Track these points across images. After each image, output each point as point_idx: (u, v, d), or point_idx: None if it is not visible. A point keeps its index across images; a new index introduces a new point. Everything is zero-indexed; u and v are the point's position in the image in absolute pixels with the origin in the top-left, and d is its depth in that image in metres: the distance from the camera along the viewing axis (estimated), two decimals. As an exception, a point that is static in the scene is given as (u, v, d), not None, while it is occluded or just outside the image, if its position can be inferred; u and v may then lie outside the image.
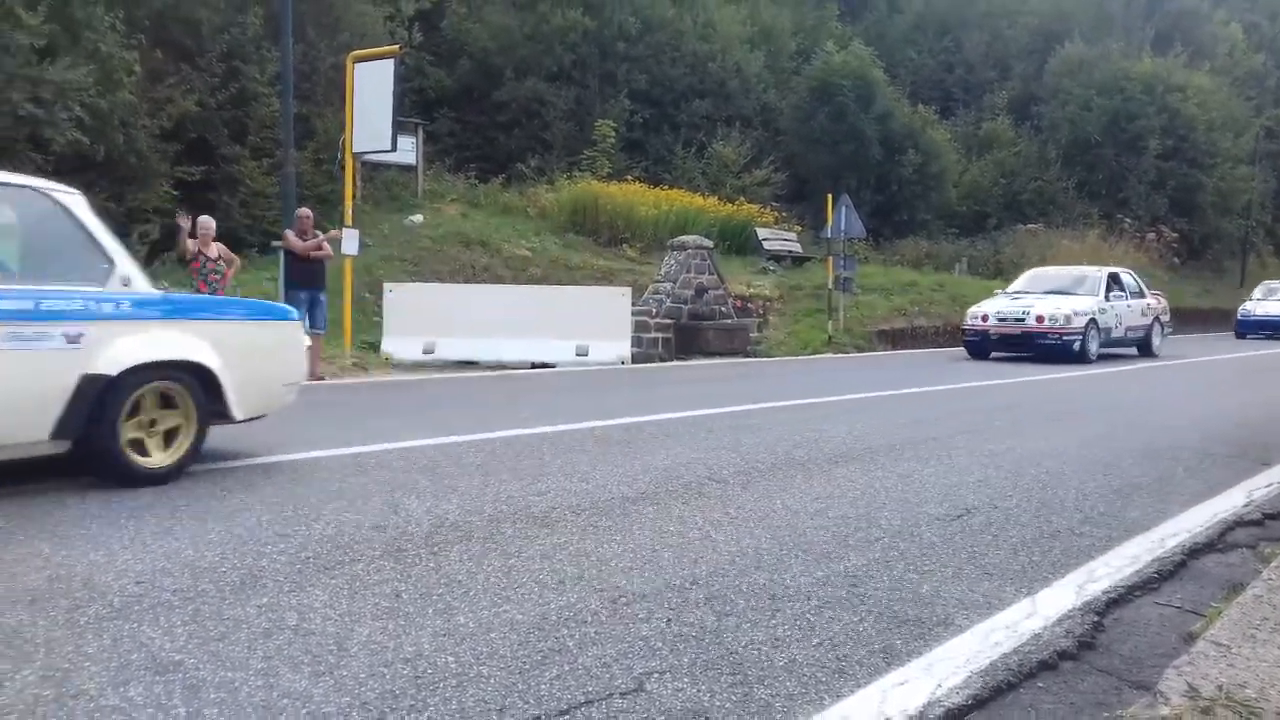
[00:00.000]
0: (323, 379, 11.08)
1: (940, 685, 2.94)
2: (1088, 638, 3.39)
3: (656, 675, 2.94)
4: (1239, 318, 27.26)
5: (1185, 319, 28.20)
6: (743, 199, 24.57)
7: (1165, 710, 2.10)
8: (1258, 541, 4.77)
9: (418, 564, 3.90)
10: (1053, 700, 2.94)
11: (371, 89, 13.07)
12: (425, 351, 13.53)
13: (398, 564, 3.89)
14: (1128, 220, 31.05)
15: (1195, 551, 4.51)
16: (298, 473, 5.51)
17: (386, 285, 14.64)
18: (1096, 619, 3.57)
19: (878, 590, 3.80)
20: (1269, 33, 41.96)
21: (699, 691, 2.84)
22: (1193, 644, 3.32)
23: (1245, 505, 5.43)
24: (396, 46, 14.39)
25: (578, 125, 24.75)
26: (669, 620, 3.40)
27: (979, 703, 2.87)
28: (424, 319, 13.73)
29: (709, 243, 18.14)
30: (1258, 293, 28.25)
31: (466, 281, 16.74)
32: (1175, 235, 32.18)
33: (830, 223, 19.24)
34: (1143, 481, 6.02)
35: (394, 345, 13.59)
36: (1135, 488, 5.83)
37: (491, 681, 2.85)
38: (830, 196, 19.65)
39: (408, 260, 17.74)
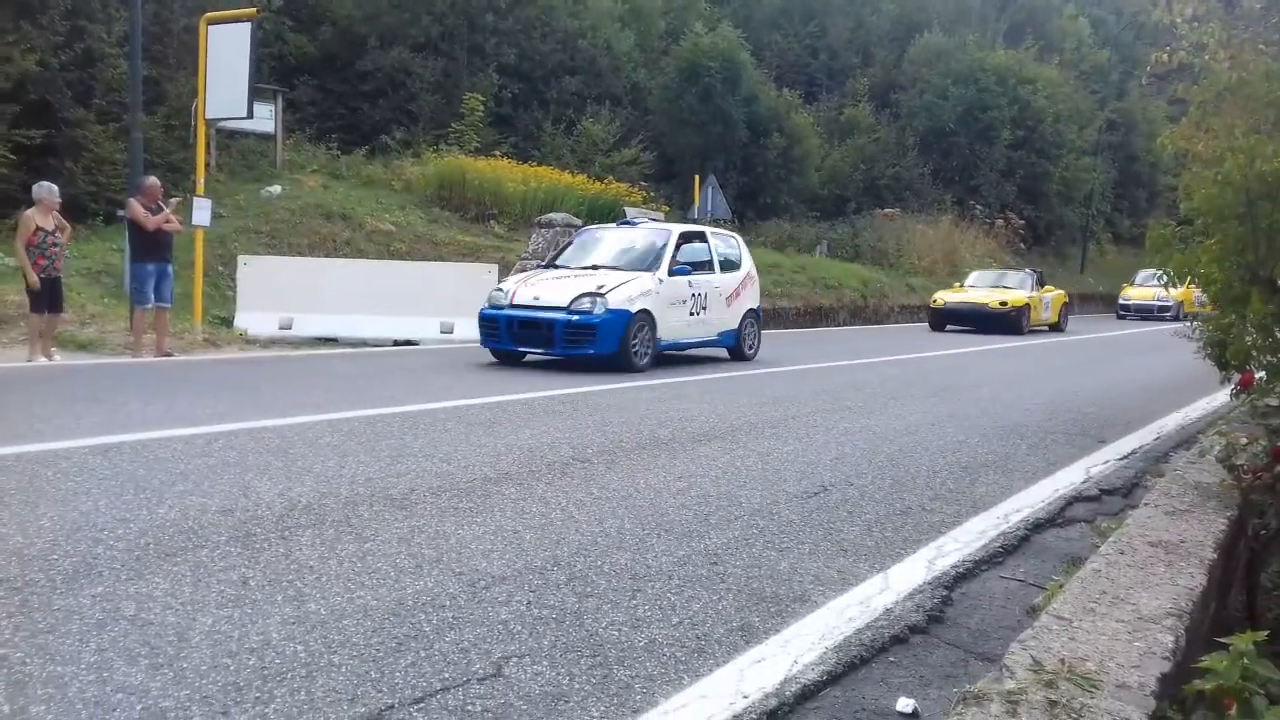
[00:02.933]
0: (170, 355, 10.58)
1: (796, 662, 2.98)
2: (937, 612, 3.50)
3: (515, 659, 2.90)
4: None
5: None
6: (611, 178, 24.52)
7: (1010, 684, 2.16)
8: (1095, 516, 5.02)
9: (267, 549, 3.75)
10: (903, 674, 3.02)
11: (227, 52, 12.48)
12: (282, 327, 13.06)
13: (246, 549, 3.73)
14: (979, 207, 32.32)
15: (1038, 526, 4.71)
16: (140, 454, 5.23)
17: (241, 258, 14.07)
18: (945, 593, 3.69)
19: (737, 568, 3.84)
20: (1114, 28, 44.19)
21: (558, 674, 2.81)
22: (1036, 617, 3.46)
23: (1084, 481, 5.72)
24: (254, 9, 13.76)
25: (445, 98, 24.22)
26: (529, 603, 3.35)
27: (833, 678, 2.93)
28: (281, 293, 13.25)
29: (577, 220, 18.04)
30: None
31: (327, 256, 16.22)
32: (1022, 222, 33.68)
33: (697, 203, 19.39)
34: (989, 459, 6.26)
35: (248, 320, 13.07)
36: (982, 465, 6.06)
37: (343, 670, 2.75)
38: (697, 177, 19.80)
39: (265, 233, 17.09)
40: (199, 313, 12.41)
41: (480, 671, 2.80)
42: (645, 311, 10.60)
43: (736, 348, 12.35)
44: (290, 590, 3.33)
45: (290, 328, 13.09)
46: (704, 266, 11.98)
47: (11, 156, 14.64)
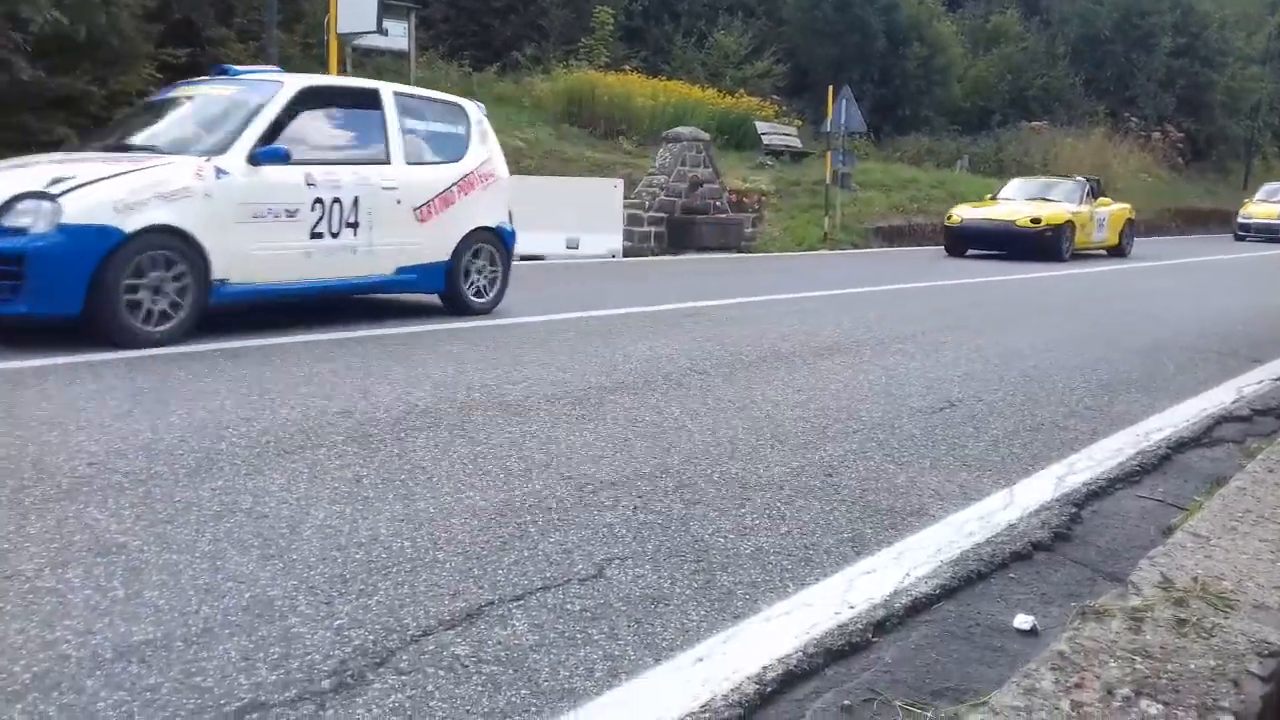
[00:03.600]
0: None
1: (909, 575, 2.86)
2: (1064, 529, 3.31)
3: (618, 561, 2.87)
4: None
5: (1188, 219, 27.95)
6: (743, 91, 23.97)
7: (1136, 601, 2.01)
8: (1244, 437, 4.68)
9: (382, 449, 3.80)
10: (1024, 591, 2.87)
11: (356, -33, 12.56)
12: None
13: (361, 449, 3.79)
14: (1134, 119, 30.46)
15: (1180, 445, 4.42)
16: (268, 357, 5.39)
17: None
18: (1074, 510, 3.49)
19: (852, 480, 3.71)
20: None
21: (659, 578, 2.76)
22: (1171, 536, 3.24)
23: (1234, 401, 5.34)
24: (380, -75, 13.77)
25: (574, 12, 23.98)
26: (635, 508, 3.31)
27: (947, 592, 2.80)
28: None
29: (705, 135, 17.72)
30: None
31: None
32: (1181, 135, 31.62)
33: (830, 116, 18.79)
34: (1131, 377, 5.91)
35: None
36: (1123, 383, 5.73)
37: (447, 566, 2.77)
38: (831, 89, 19.15)
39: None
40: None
41: (582, 572, 2.78)
42: (168, 229, 5.71)
43: (452, 293, 7.51)
44: (401, 489, 3.37)
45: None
46: (364, 151, 7.06)
47: (159, 75, 15.14)
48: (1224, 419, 4.94)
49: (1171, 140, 31.22)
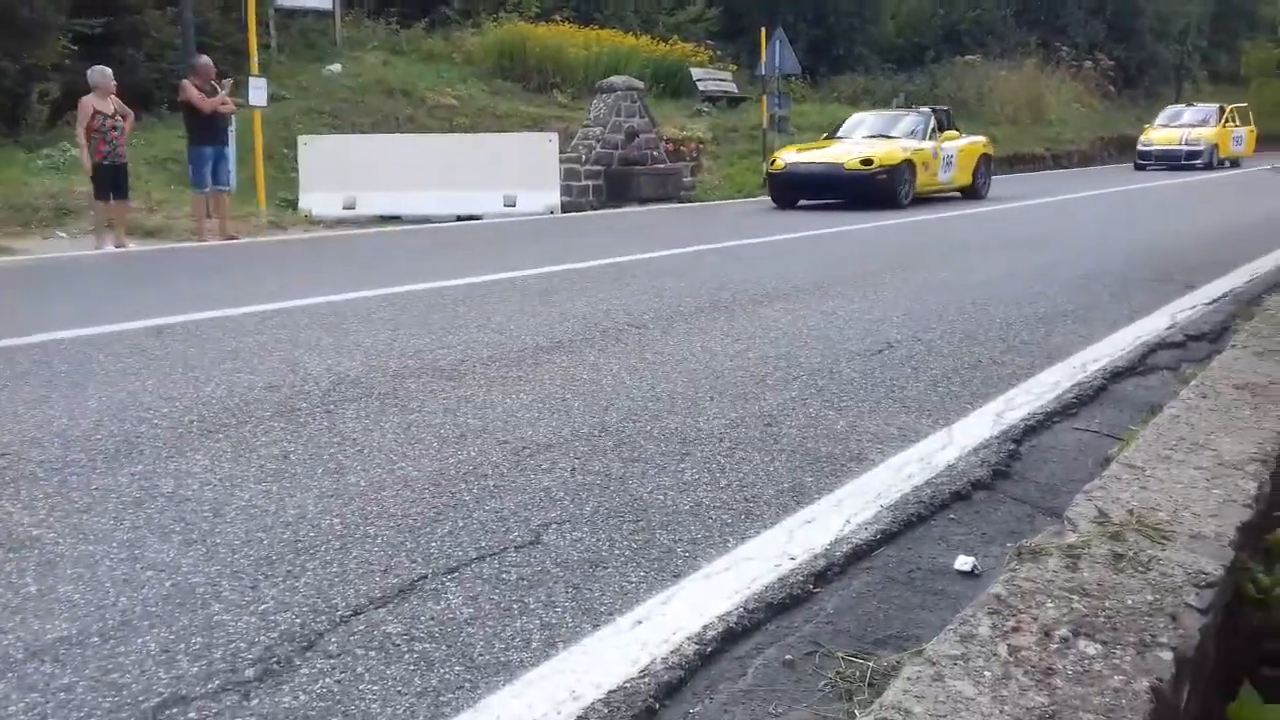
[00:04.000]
0: (235, 238, 10.63)
1: (849, 521, 2.84)
2: (1003, 466, 3.31)
3: (555, 526, 2.81)
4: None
5: (1121, 147, 28.22)
6: (676, 38, 23.70)
7: (1073, 537, 1.99)
8: (1179, 363, 4.72)
9: (310, 423, 3.70)
10: (964, 531, 2.86)
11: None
12: (345, 207, 13.03)
13: (289, 424, 3.68)
14: (1065, 48, 30.62)
15: (1116, 375, 4.44)
16: (192, 334, 5.22)
17: (301, 138, 13.98)
18: (1013, 447, 3.49)
19: (792, 429, 3.68)
20: None
21: (598, 541, 2.71)
22: (1106, 468, 3.25)
23: (1168, 328, 5.39)
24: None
25: (503, -37, 23.50)
26: (573, 469, 3.25)
27: (888, 537, 2.78)
28: (343, 173, 13.17)
29: (640, 84, 17.52)
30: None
31: (390, 133, 16.04)
32: (1112, 63, 31.87)
33: (764, 59, 18.65)
34: (1068, 309, 5.94)
35: (312, 201, 13.05)
36: (1060, 315, 5.76)
37: (378, 541, 2.69)
38: (764, 32, 18.99)
39: (327, 113, 16.94)
40: (263, 196, 12.41)
41: (518, 539, 2.72)
42: None
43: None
44: (330, 464, 3.28)
45: (354, 207, 13.05)
46: None
47: (74, 47, 14.60)
48: (1159, 346, 4.98)
49: (1103, 68, 31.47)
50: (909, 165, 14.31)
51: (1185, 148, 23.45)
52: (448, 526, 2.79)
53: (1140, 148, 24.37)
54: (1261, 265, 7.52)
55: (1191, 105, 26.62)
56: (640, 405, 3.97)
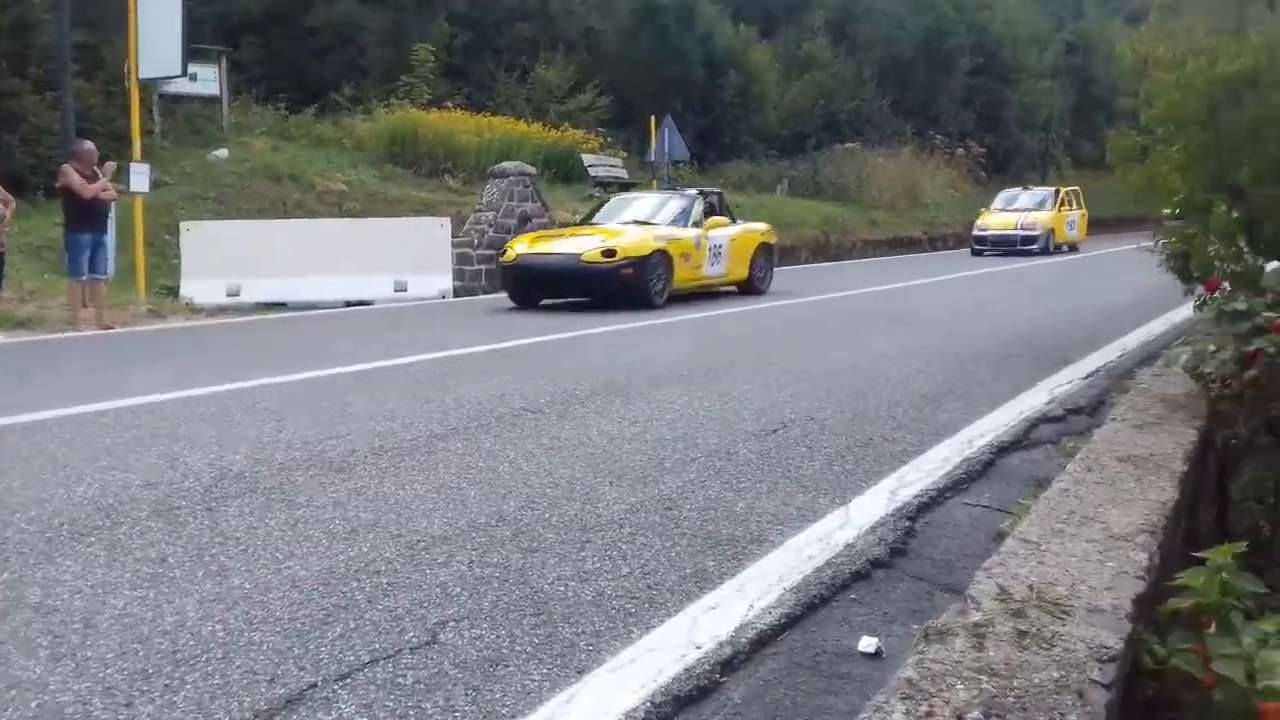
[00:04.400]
0: (111, 328, 10.23)
1: (752, 606, 2.81)
2: (900, 544, 3.34)
3: (453, 624, 2.71)
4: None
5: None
6: (568, 125, 24.03)
7: (977, 615, 1.99)
8: (1060, 436, 4.88)
9: (191, 522, 3.52)
10: (866, 611, 2.86)
11: (157, 8, 11.99)
12: (230, 294, 12.69)
13: (168, 524, 3.50)
14: (939, 137, 32.06)
15: (1002, 450, 4.56)
16: (63, 430, 4.96)
17: (183, 224, 13.63)
18: (909, 524, 3.53)
19: (692, 512, 3.66)
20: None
21: (498, 637, 2.62)
22: (1002, 543, 3.30)
23: (1048, 402, 5.57)
24: (183, -38, 13.22)
25: (395, 50, 23.55)
26: (471, 562, 3.16)
27: (792, 621, 2.76)
28: (227, 259, 12.85)
29: (532, 169, 17.65)
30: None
31: (278, 218, 15.78)
32: (982, 150, 33.48)
33: (654, 146, 19.04)
34: (951, 385, 6.11)
35: (194, 289, 12.68)
36: (944, 392, 5.91)
37: (264, 648, 2.55)
38: (653, 119, 19.42)
39: (212, 199, 16.59)
40: (142, 284, 12.03)
41: (414, 640, 2.61)
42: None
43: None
44: (212, 565, 3.12)
45: (239, 294, 12.73)
46: None
47: (-48, 132, 14.06)
48: (1040, 420, 5.14)
49: (974, 155, 33.02)
50: (663, 257, 11.79)
51: (1021, 232, 22.96)
52: (338, 629, 2.67)
53: (976, 232, 23.63)
54: (1130, 341, 7.88)
55: (1028, 189, 26.45)
56: (538, 493, 3.91)
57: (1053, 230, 23.73)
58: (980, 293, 13.68)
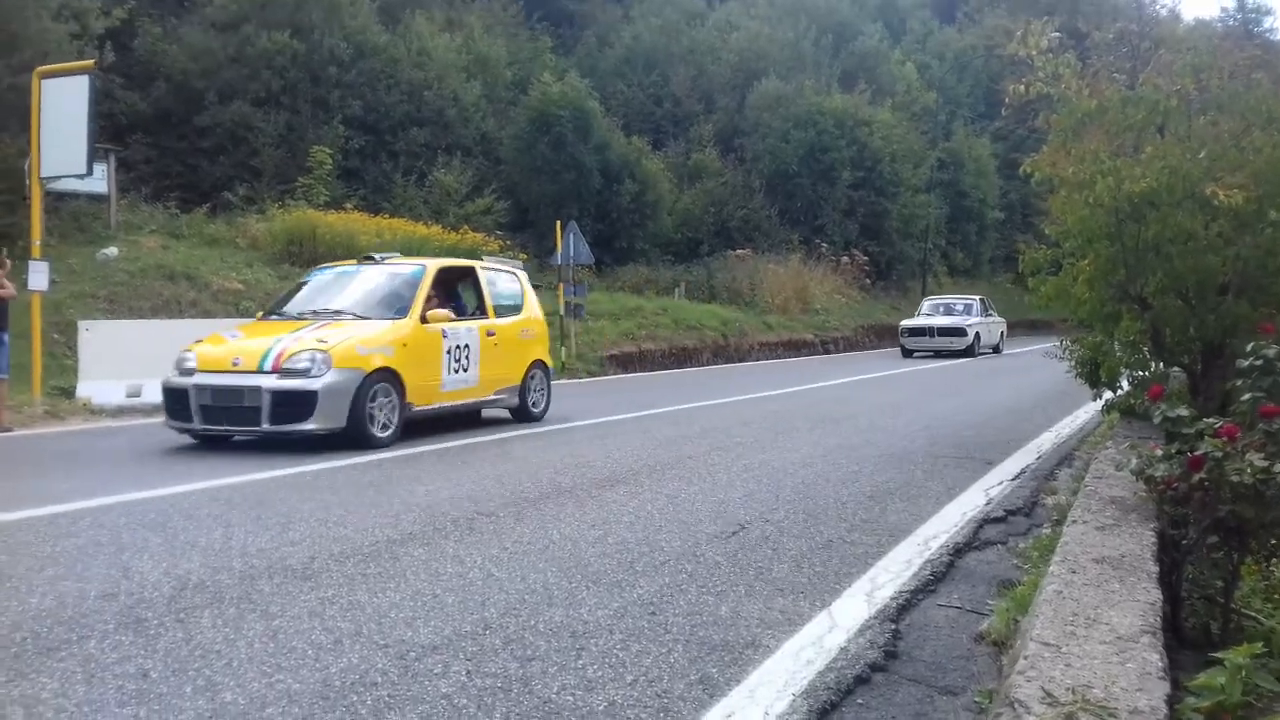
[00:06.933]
0: (10, 430, 9.73)
1: (768, 713, 2.83)
2: (890, 646, 3.41)
3: (468, 736, 2.64)
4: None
5: (879, 334, 30.68)
6: (467, 227, 24.15)
7: (1031, 719, 2.06)
8: (1006, 537, 5.07)
9: (164, 634, 3.36)
10: (876, 716, 2.90)
11: (63, 108, 11.72)
12: (130, 395, 12.20)
13: (139, 636, 3.34)
14: (825, 245, 33.28)
15: (958, 551, 4.71)
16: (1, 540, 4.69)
17: (81, 323, 13.12)
18: (893, 627, 3.61)
19: (678, 617, 3.66)
20: (938, 73, 46.56)
21: (519, 749, 2.57)
22: (995, 647, 3.40)
23: (987, 504, 5.78)
24: (90, 62, 13.00)
25: (289, 152, 23.44)
26: (469, 672, 3.10)
27: (809, 727, 2.78)
28: (127, 359, 12.38)
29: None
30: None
31: (173, 318, 15.32)
32: (866, 258, 34.86)
33: (560, 250, 19.30)
34: (891, 486, 6.28)
35: (91, 389, 12.15)
36: (886, 493, 6.07)
37: (279, 767, 2.45)
38: (559, 224, 19.73)
39: (103, 297, 16.04)
40: (37, 384, 11.49)
41: (433, 754, 2.54)
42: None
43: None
44: (199, 680, 2.98)
45: (139, 394, 12.24)
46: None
47: None
48: (984, 521, 5.33)
49: (858, 263, 34.32)
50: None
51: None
52: (350, 744, 2.58)
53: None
54: (1043, 442, 8.24)
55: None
56: (517, 598, 3.86)
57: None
58: (896, 394, 14.14)
